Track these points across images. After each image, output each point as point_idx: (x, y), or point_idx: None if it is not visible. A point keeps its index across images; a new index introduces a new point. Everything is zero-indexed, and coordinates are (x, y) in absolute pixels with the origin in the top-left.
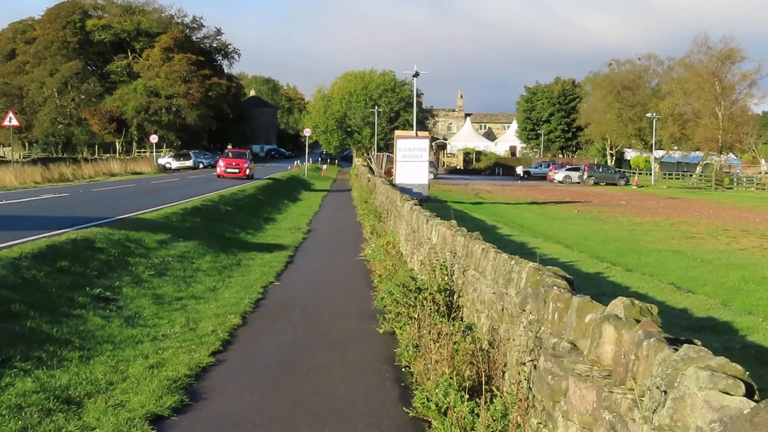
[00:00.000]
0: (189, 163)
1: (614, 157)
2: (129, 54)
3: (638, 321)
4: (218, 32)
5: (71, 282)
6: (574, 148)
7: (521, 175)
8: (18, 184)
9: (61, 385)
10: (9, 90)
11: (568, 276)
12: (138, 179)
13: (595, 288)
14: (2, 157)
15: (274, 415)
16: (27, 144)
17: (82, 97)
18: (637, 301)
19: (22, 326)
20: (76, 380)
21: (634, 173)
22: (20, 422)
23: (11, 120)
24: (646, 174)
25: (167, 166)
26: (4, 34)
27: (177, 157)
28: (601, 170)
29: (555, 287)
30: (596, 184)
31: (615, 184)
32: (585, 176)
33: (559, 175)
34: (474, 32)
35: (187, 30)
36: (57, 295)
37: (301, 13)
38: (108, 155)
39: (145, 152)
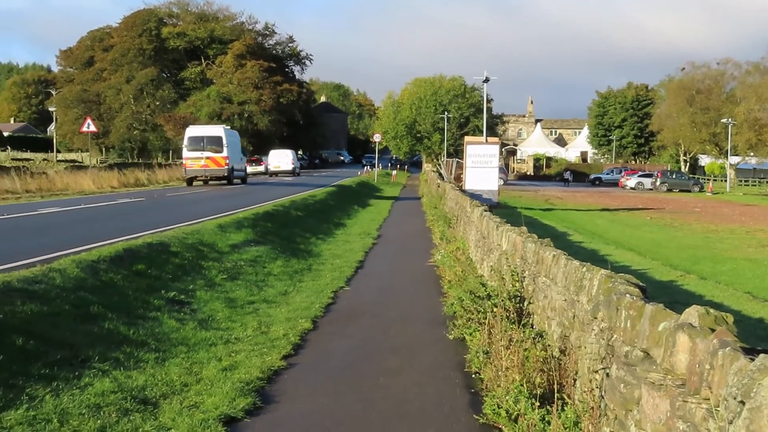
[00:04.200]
0: (261, 168)
1: (688, 164)
2: (202, 61)
3: (713, 330)
4: (290, 39)
5: (147, 285)
6: (647, 154)
7: (569, 179)
8: (96, 189)
9: (138, 385)
10: (87, 96)
11: (640, 284)
12: (211, 184)
13: (669, 296)
14: (80, 162)
15: (345, 419)
16: (104, 149)
17: (157, 103)
18: (712, 310)
19: (101, 328)
20: (152, 381)
21: (708, 180)
22: (99, 421)
23: (89, 126)
24: (721, 180)
25: None
26: (82, 42)
27: (249, 162)
28: (674, 176)
29: (627, 295)
30: (669, 190)
31: (689, 191)
32: (658, 183)
33: (631, 182)
34: (542, 35)
35: (260, 37)
36: (133, 297)
37: (364, 18)
38: (182, 160)
39: None
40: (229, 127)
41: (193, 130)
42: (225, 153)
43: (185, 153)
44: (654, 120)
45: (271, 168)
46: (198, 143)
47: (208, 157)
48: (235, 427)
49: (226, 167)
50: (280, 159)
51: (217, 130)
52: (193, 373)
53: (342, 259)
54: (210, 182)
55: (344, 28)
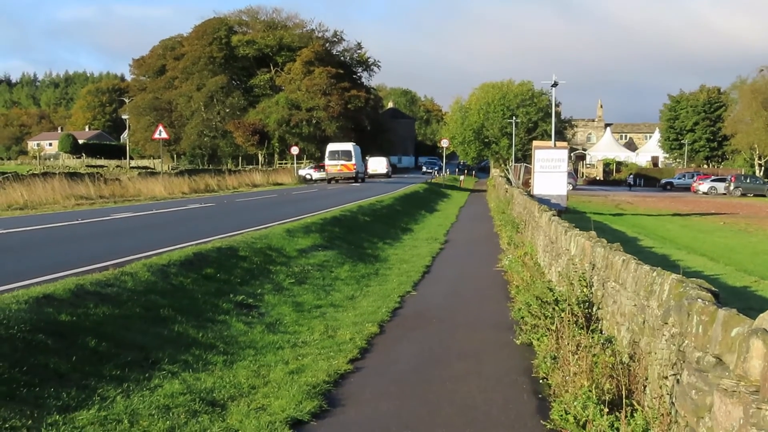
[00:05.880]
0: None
1: (763, 168)
2: (271, 68)
3: None
4: (358, 45)
5: (216, 289)
6: (720, 159)
7: (631, 183)
8: (167, 195)
9: (206, 387)
10: (159, 104)
11: (713, 288)
12: (279, 190)
13: (742, 302)
14: (152, 168)
15: (411, 423)
16: (175, 156)
17: (227, 110)
18: None
19: (170, 330)
20: (220, 383)
21: None
22: (168, 422)
23: (161, 133)
24: None
25: (307, 177)
26: (154, 51)
27: (317, 168)
28: (748, 181)
29: (699, 300)
30: (743, 195)
31: (764, 196)
32: (731, 187)
33: (704, 186)
34: (612, 38)
35: (328, 44)
36: (203, 301)
37: (428, 23)
38: (251, 167)
39: (286, 164)
40: (355, 143)
41: (332, 146)
42: (353, 161)
43: (327, 161)
44: (727, 124)
45: (370, 171)
46: (335, 155)
47: (342, 164)
48: (301, 429)
49: (354, 171)
50: (377, 164)
51: (348, 146)
52: (260, 375)
53: (409, 264)
54: (340, 181)
55: (409, 34)
